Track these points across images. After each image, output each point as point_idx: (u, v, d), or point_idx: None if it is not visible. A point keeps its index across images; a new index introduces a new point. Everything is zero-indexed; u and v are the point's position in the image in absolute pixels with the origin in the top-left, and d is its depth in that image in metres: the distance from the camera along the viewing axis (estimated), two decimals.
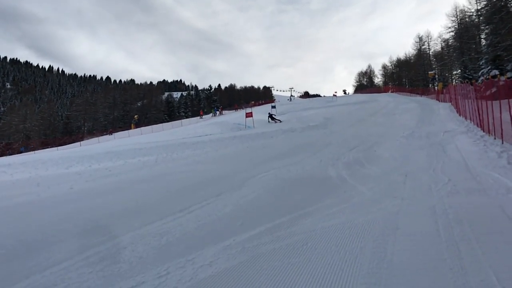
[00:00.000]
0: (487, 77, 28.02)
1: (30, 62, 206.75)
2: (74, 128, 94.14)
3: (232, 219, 5.32)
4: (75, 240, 4.86)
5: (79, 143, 49.71)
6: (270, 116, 29.01)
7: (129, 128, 65.65)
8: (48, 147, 54.53)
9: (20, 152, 43.32)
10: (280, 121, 27.50)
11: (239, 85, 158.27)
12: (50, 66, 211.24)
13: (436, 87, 46.00)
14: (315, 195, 6.34)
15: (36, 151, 44.13)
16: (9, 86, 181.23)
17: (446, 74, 63.35)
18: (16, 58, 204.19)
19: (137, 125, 67.44)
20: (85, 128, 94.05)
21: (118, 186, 8.98)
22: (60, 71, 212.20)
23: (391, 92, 67.78)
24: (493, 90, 11.35)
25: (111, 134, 57.60)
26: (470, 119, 13.96)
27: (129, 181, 9.49)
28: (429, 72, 58.45)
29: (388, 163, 8.69)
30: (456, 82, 51.86)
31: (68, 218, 5.99)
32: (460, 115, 17.56)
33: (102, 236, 4.88)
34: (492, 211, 4.56)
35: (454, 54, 58.54)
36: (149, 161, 13.33)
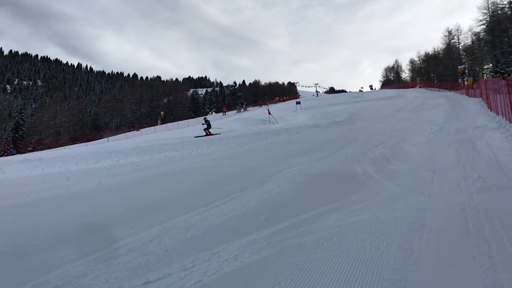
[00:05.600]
0: None
1: (60, 60, 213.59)
2: (102, 124, 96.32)
3: (256, 214, 5.33)
4: (104, 232, 4.99)
5: (107, 138, 50.83)
6: (205, 129, 23.35)
7: (155, 124, 66.74)
8: (77, 143, 56.02)
9: (12, 154, 43.72)
10: (212, 134, 22.41)
11: (263, 81, 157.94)
12: (79, 63, 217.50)
13: (465, 82, 44.77)
14: (340, 191, 6.29)
15: (65, 147, 45.34)
16: (40, 83, 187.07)
17: (477, 69, 61.71)
18: (47, 56, 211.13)
19: (163, 121, 68.43)
20: (113, 124, 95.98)
21: (145, 180, 9.14)
22: (88, 68, 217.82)
23: (419, 87, 66.40)
24: None
25: (138, 130, 58.67)
26: (502, 115, 13.51)
27: (156, 176, 9.64)
28: (459, 67, 56.87)
29: (415, 159, 8.52)
30: (487, 77, 50.36)
31: (97, 212, 6.15)
32: (491, 110, 17.03)
33: (130, 229, 4.99)
34: None
35: (485, 48, 56.99)
36: (175, 156, 13.51)
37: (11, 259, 4.20)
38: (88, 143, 47.67)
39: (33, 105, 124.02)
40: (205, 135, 22.41)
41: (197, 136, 21.97)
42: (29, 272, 3.80)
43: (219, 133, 22.28)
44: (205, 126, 23.53)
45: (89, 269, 3.77)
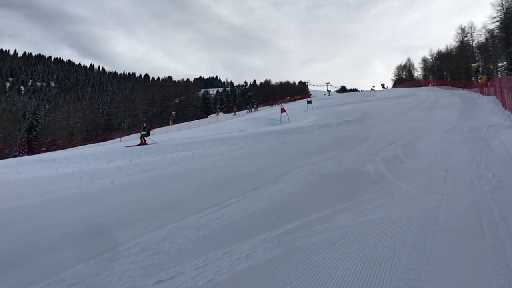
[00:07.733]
0: None
1: (73, 61, 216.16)
2: (115, 124, 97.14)
3: (268, 213, 5.33)
4: (117, 231, 5.03)
5: (119, 139, 51.20)
6: (142, 136, 22.46)
7: (167, 124, 66.99)
8: (90, 143, 56.59)
9: (14, 156, 43.58)
10: (146, 144, 21.08)
11: (274, 80, 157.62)
12: (91, 64, 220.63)
13: (479, 80, 44.16)
14: (352, 190, 6.25)
15: (78, 147, 45.83)
16: (53, 85, 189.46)
17: (491, 66, 60.84)
18: (60, 58, 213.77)
19: (175, 122, 68.68)
20: (125, 125, 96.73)
21: (157, 180, 9.19)
22: (100, 69, 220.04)
23: (432, 85, 65.74)
24: None
25: (150, 130, 58.91)
26: None
27: (168, 176, 9.69)
28: (472, 65, 56.02)
29: (428, 158, 8.44)
30: (501, 74, 49.63)
31: (110, 211, 6.20)
32: (506, 108, 16.77)
33: (142, 228, 5.02)
34: None
35: (500, 45, 56.20)
36: (187, 156, 13.56)
37: (26, 258, 4.26)
38: (100, 143, 48.10)
39: (47, 106, 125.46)
40: (139, 144, 21.24)
41: (128, 146, 20.42)
42: (44, 270, 3.85)
43: (156, 143, 20.72)
44: (143, 133, 22.49)
45: (103, 268, 3.81)
